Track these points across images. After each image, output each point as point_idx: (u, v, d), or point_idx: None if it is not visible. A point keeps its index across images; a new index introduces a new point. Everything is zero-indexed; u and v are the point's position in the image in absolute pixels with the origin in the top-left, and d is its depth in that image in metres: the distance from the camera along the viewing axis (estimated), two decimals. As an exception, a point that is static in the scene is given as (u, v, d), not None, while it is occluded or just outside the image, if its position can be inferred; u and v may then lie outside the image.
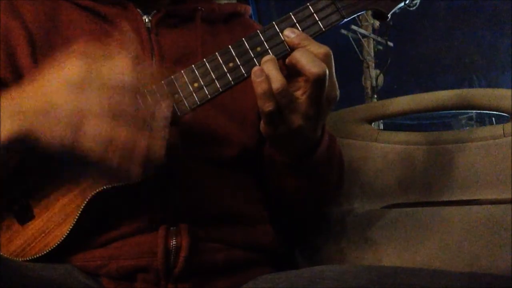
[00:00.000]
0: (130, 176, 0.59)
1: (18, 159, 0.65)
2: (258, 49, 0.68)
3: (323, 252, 1.00)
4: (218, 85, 0.67)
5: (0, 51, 0.74)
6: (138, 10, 0.81)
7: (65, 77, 0.59)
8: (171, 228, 0.70)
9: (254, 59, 0.68)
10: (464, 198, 0.93)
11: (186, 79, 0.67)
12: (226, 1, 1.36)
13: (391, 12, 0.72)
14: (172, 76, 0.67)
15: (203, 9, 0.85)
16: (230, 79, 0.67)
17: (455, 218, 0.91)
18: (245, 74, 0.68)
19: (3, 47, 0.74)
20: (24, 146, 0.60)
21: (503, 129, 0.91)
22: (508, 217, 0.86)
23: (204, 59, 0.68)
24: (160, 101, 0.61)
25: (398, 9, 0.73)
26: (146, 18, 0.80)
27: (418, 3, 0.80)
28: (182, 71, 0.67)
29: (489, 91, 0.96)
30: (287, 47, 0.68)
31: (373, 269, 0.65)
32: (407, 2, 0.72)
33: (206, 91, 0.67)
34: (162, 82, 0.66)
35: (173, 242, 0.70)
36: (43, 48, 0.76)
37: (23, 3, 0.79)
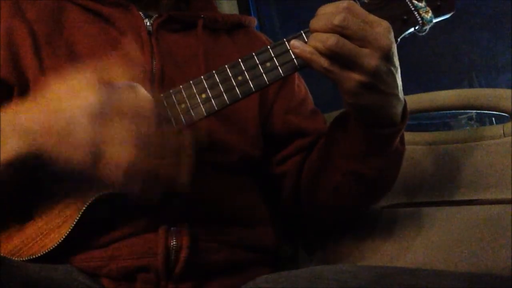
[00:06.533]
0: (149, 202, 0.58)
1: (22, 174, 0.64)
2: (268, 64, 0.67)
3: (324, 252, 1.00)
4: (226, 98, 0.67)
5: (1, 51, 0.74)
6: (140, 13, 0.81)
7: (83, 98, 0.56)
8: (172, 228, 0.70)
9: (264, 74, 0.67)
10: (464, 198, 0.93)
11: (194, 90, 0.66)
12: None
13: (400, 37, 0.72)
14: (181, 86, 0.67)
15: (205, 17, 0.85)
16: (238, 93, 0.67)
17: (455, 218, 0.91)
18: (253, 89, 0.67)
19: (7, 47, 0.74)
20: (31, 164, 0.59)
21: (503, 129, 0.91)
22: (508, 217, 0.86)
23: (214, 71, 0.67)
24: (182, 129, 0.60)
25: (408, 34, 0.72)
26: (147, 21, 0.80)
27: (427, 30, 0.81)
28: (191, 81, 0.67)
29: (489, 91, 0.96)
30: (297, 64, 0.67)
31: (373, 269, 0.65)
32: (417, 28, 0.72)
33: (214, 103, 0.66)
34: (170, 91, 0.66)
35: (173, 242, 0.70)
36: (47, 49, 0.76)
37: (27, 4, 0.79)
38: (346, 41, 0.63)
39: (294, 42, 0.66)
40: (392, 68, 0.67)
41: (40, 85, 0.64)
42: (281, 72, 0.68)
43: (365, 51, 0.63)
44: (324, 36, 0.63)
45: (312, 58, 0.64)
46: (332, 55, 0.63)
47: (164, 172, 0.56)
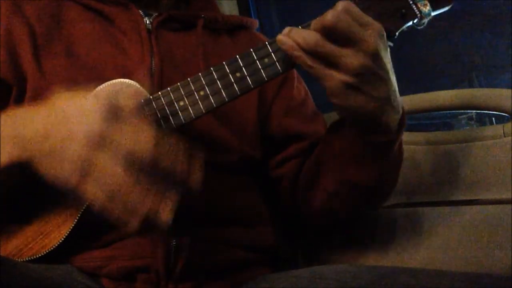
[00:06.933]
0: (127, 229, 0.55)
1: (17, 179, 0.63)
2: (266, 60, 0.67)
3: (323, 252, 1.00)
4: (224, 95, 0.66)
5: (0, 49, 0.74)
6: (140, 11, 0.81)
7: (84, 121, 0.55)
8: (171, 228, 0.70)
9: (261, 70, 0.67)
10: (464, 198, 0.93)
11: (193, 87, 0.66)
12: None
13: (399, 31, 0.71)
14: (179, 83, 0.66)
15: (205, 17, 0.85)
16: (237, 89, 0.67)
17: (455, 218, 0.91)
18: (252, 85, 0.67)
19: (6, 47, 0.74)
20: (24, 171, 0.58)
21: (503, 129, 0.91)
22: (508, 217, 0.86)
23: (212, 68, 0.67)
24: (177, 165, 0.57)
25: (407, 27, 0.72)
26: (147, 20, 0.80)
27: (426, 23, 0.80)
28: (189, 79, 0.66)
29: (489, 91, 0.96)
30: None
31: (373, 269, 0.65)
32: (415, 21, 0.71)
33: (212, 100, 0.66)
34: (168, 89, 0.66)
35: (173, 242, 0.70)
36: (46, 48, 0.76)
37: (27, 2, 0.79)
38: (326, 42, 0.63)
39: (281, 37, 0.65)
40: (380, 72, 0.65)
41: (45, 92, 0.63)
42: (279, 67, 0.67)
43: (347, 51, 0.63)
44: (305, 33, 0.64)
45: (297, 55, 0.64)
46: (313, 53, 0.64)
47: (145, 210, 0.55)
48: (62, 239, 0.67)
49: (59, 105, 0.58)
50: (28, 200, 0.68)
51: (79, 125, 0.55)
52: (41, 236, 0.67)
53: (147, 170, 0.55)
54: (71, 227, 0.67)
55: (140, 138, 0.55)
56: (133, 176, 0.54)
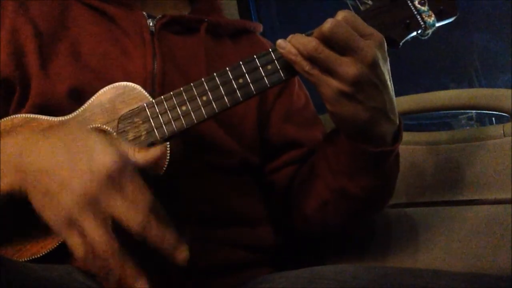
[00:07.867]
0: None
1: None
2: (269, 67, 0.67)
3: (324, 252, 1.00)
4: (226, 101, 0.66)
5: (5, 49, 0.74)
6: (144, 13, 0.81)
7: (86, 172, 0.54)
8: None
9: (264, 77, 0.67)
10: (464, 198, 0.93)
11: (195, 92, 0.66)
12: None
13: (403, 41, 0.71)
14: (182, 88, 0.66)
15: (209, 21, 0.85)
16: (239, 95, 0.67)
17: (455, 218, 0.91)
18: (254, 92, 0.67)
19: (11, 46, 0.74)
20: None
21: (503, 129, 0.91)
22: (508, 217, 0.86)
23: (214, 73, 0.67)
24: (164, 239, 0.56)
25: (411, 38, 0.72)
26: (150, 22, 0.80)
27: (430, 34, 0.81)
28: (192, 84, 0.66)
29: (489, 91, 0.96)
30: None
31: (373, 269, 0.65)
32: (419, 32, 0.72)
33: (214, 106, 0.66)
34: (171, 93, 0.66)
35: (173, 242, 0.69)
36: (50, 47, 0.76)
37: (32, 2, 0.79)
38: (325, 48, 0.64)
39: (281, 42, 0.67)
40: (377, 82, 0.66)
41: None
42: (282, 74, 0.68)
43: (344, 59, 0.64)
44: (305, 39, 0.65)
45: (295, 60, 0.65)
46: (312, 59, 0.64)
47: (117, 277, 0.53)
48: (61, 240, 0.66)
49: (66, 142, 0.57)
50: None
51: (79, 176, 0.53)
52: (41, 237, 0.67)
53: (132, 239, 0.53)
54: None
55: (132, 207, 0.53)
56: (116, 243, 0.52)
